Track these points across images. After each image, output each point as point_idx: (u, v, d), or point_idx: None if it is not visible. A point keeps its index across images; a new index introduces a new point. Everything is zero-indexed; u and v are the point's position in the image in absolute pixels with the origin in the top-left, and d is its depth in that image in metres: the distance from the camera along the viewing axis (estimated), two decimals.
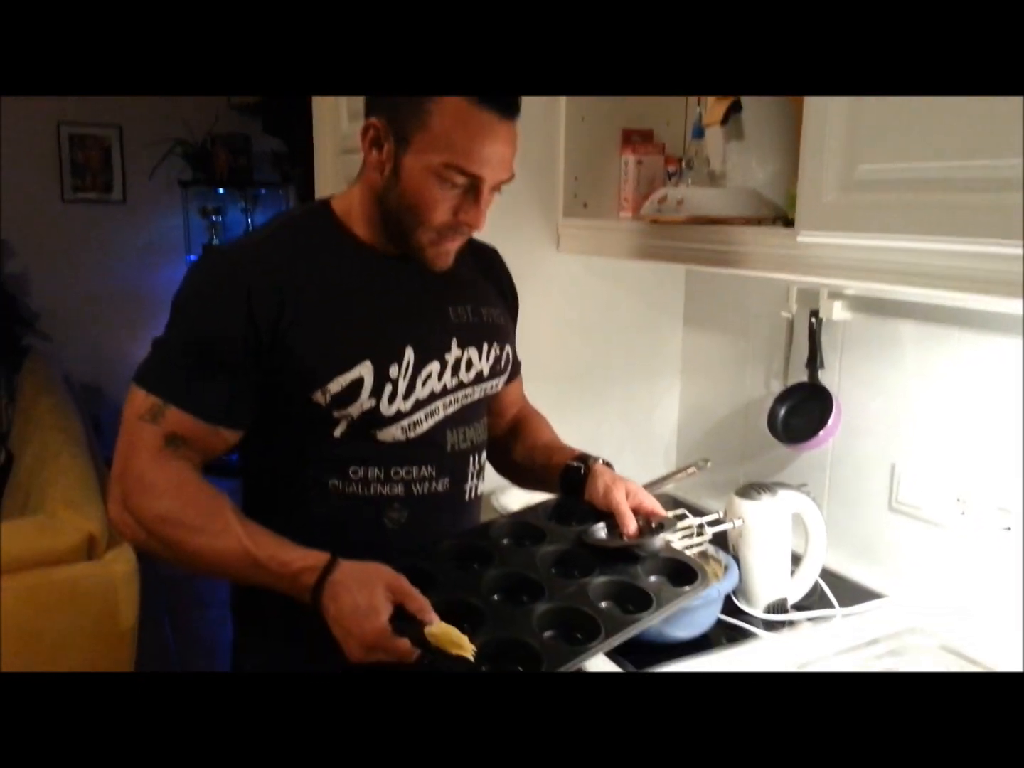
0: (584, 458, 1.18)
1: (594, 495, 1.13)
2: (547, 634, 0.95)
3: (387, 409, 1.03)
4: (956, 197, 0.87)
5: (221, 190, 4.53)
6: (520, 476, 1.30)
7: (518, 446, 1.27)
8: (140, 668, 1.98)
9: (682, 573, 1.07)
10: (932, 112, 0.89)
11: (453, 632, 0.86)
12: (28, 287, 4.21)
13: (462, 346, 1.11)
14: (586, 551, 1.08)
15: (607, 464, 1.18)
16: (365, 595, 0.88)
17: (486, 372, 1.14)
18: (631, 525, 1.09)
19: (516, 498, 1.57)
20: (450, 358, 1.09)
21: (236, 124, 4.47)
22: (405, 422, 1.05)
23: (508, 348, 1.19)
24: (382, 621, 0.87)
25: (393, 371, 1.03)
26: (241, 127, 4.49)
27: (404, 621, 0.88)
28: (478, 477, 1.16)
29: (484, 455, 1.18)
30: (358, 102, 2.02)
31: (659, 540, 1.08)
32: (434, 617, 0.89)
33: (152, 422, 0.97)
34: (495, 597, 1.00)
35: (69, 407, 2.90)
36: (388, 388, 1.03)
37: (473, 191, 1.00)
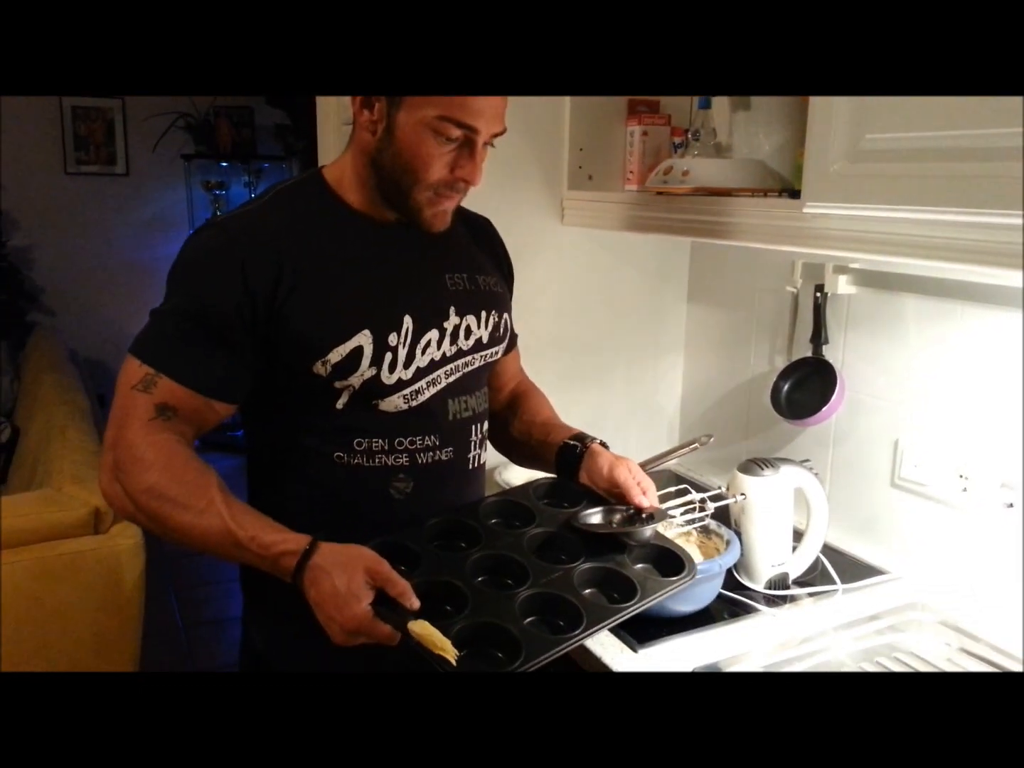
0: (582, 437, 1.18)
1: (595, 474, 1.12)
2: (529, 620, 0.94)
3: (388, 378, 1.03)
4: (963, 167, 0.86)
5: (224, 163, 4.50)
6: (516, 452, 1.29)
7: (516, 421, 1.27)
8: (146, 643, 2.00)
9: (670, 561, 1.05)
10: None
11: (436, 635, 0.85)
12: (31, 261, 4.20)
13: (460, 314, 1.10)
14: (575, 535, 1.06)
15: (604, 445, 1.17)
16: (344, 580, 0.87)
17: (485, 339, 1.14)
18: (638, 497, 1.08)
19: (519, 474, 1.57)
20: (448, 326, 1.08)
21: (239, 96, 4.43)
22: (407, 391, 1.05)
23: (506, 316, 1.19)
24: (363, 607, 0.87)
25: (392, 339, 1.03)
26: (244, 100, 4.45)
27: (387, 605, 0.88)
28: (481, 446, 1.16)
29: (486, 424, 1.17)
30: None
31: (649, 530, 1.07)
32: (415, 602, 0.88)
33: (144, 392, 0.96)
34: (479, 579, 0.99)
35: (74, 382, 2.91)
36: (388, 357, 1.03)
37: (468, 145, 0.99)
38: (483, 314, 1.13)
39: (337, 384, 1.02)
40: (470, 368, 1.12)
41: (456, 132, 0.97)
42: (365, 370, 1.01)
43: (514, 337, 1.28)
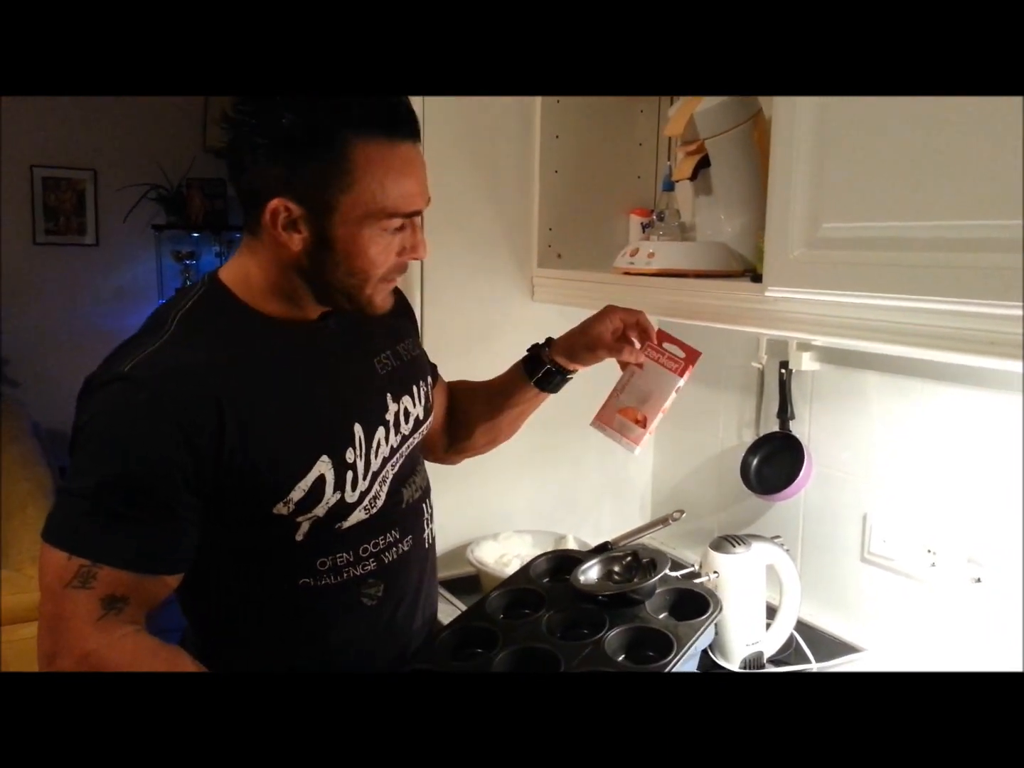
0: (534, 349, 1.22)
1: (583, 346, 1.19)
2: None
3: (351, 496, 0.97)
4: (915, 256, 0.89)
5: (195, 234, 4.53)
6: (498, 429, 1.27)
7: (473, 415, 1.25)
8: None
9: (690, 603, 1.04)
10: (892, 173, 0.91)
11: None
12: None
13: (397, 399, 1.05)
14: (590, 604, 1.05)
15: (548, 342, 1.23)
16: None
17: (422, 415, 1.09)
18: (630, 356, 1.15)
19: (491, 551, 1.56)
20: (390, 417, 1.03)
21: (212, 168, 4.48)
22: (366, 501, 1.00)
23: (428, 378, 1.14)
24: None
25: (350, 456, 0.96)
26: (217, 171, 4.50)
27: None
28: (431, 522, 1.13)
29: (431, 495, 1.14)
30: None
31: (655, 579, 1.05)
32: None
33: (84, 587, 0.81)
34: None
35: (37, 457, 2.86)
36: (349, 476, 0.96)
37: (410, 225, 0.94)
38: (415, 389, 1.09)
39: (299, 519, 0.94)
40: (409, 448, 1.08)
41: (400, 222, 0.92)
42: (330, 497, 0.95)
43: (434, 368, 1.24)
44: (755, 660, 1.26)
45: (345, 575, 0.99)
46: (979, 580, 1.22)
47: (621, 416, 1.20)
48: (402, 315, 1.15)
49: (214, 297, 0.95)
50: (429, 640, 1.03)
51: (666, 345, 1.20)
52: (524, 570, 1.16)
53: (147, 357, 0.88)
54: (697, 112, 1.34)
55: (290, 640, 0.99)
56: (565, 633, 1.03)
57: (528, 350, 1.24)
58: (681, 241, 1.46)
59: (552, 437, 1.75)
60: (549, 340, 1.24)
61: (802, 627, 1.35)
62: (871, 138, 0.92)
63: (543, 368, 1.22)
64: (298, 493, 0.92)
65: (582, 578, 1.09)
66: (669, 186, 1.55)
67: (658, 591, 1.07)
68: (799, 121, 0.99)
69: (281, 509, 0.92)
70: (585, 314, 1.68)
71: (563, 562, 1.14)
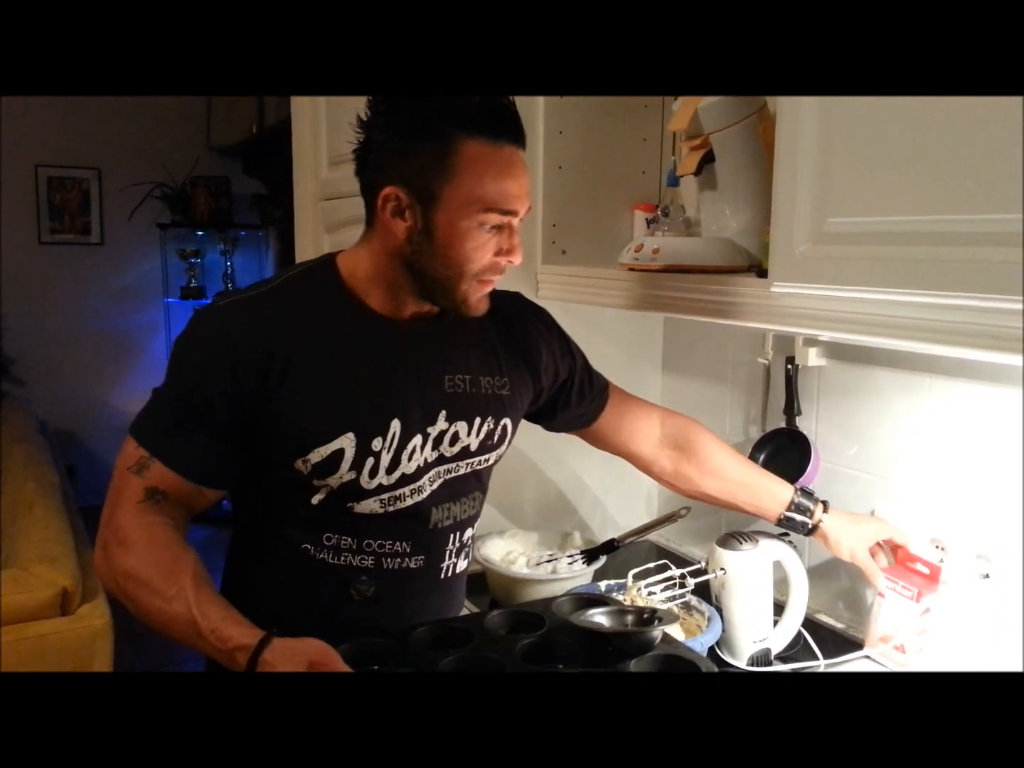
0: (802, 508, 1.25)
1: (851, 554, 1.25)
2: None
3: (367, 483, 1.01)
4: (920, 251, 0.89)
5: (200, 232, 4.53)
6: (715, 502, 1.31)
7: (706, 481, 1.28)
8: None
9: (681, 668, 0.99)
10: (897, 168, 0.90)
11: None
12: (2, 331, 4.17)
13: (451, 419, 1.07)
14: (571, 640, 1.02)
15: (825, 506, 1.26)
16: (289, 670, 0.85)
17: (474, 447, 1.10)
18: (880, 582, 1.23)
19: (498, 548, 1.56)
20: (433, 431, 1.05)
21: (216, 166, 4.49)
22: (385, 496, 1.03)
23: (506, 420, 1.14)
24: None
25: (376, 444, 1.01)
26: (221, 169, 4.51)
27: None
28: (458, 555, 1.13)
29: (468, 532, 1.14)
30: (337, 148, 2.02)
31: (655, 631, 1.02)
32: None
33: (137, 474, 0.97)
34: None
35: (44, 456, 2.86)
36: (370, 462, 1.01)
37: (507, 227, 0.99)
38: (477, 420, 1.10)
39: (316, 482, 1.01)
40: (454, 475, 1.09)
41: (497, 219, 0.97)
42: (344, 473, 1.00)
43: (598, 387, 1.32)
44: (763, 657, 1.26)
45: (342, 559, 1.04)
46: (987, 576, 1.21)
47: (882, 643, 1.26)
48: (523, 360, 1.17)
49: (321, 272, 1.06)
50: (408, 629, 1.03)
51: (916, 564, 1.26)
52: (547, 600, 1.15)
53: (239, 300, 1.02)
54: (701, 107, 1.33)
55: (278, 599, 1.05)
56: (536, 659, 1.00)
57: (803, 497, 1.27)
58: (686, 236, 1.45)
59: (559, 434, 1.74)
60: (826, 506, 1.28)
61: (810, 624, 1.34)
62: (875, 133, 0.91)
63: (802, 524, 1.27)
64: (316, 456, 0.99)
65: (584, 617, 1.06)
66: (673, 181, 1.55)
67: (653, 653, 1.02)
68: (804, 116, 0.98)
69: (300, 466, 1.00)
70: (589, 311, 1.68)
71: (589, 603, 1.12)
